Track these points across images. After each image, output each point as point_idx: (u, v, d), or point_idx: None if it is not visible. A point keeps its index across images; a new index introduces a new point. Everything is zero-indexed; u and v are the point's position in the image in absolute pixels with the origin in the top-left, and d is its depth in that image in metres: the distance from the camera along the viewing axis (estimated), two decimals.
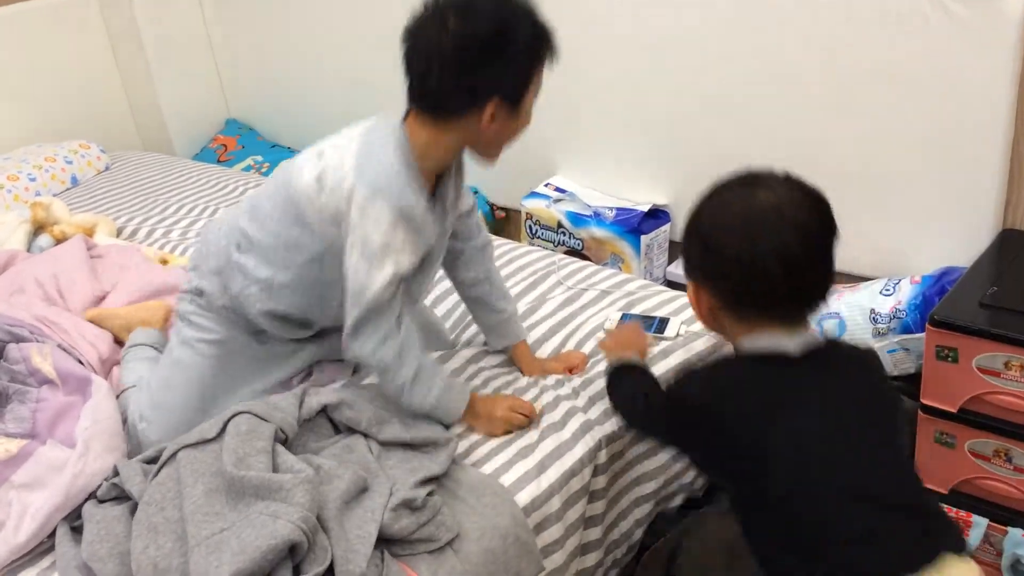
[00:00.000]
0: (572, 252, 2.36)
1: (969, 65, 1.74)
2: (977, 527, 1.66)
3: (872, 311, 1.80)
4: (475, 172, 2.79)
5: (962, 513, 1.66)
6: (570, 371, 1.59)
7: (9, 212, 2.21)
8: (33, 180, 2.74)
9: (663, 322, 1.68)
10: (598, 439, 1.44)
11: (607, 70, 2.29)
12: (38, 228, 2.16)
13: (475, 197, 1.83)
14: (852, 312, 1.83)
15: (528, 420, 1.44)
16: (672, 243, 2.37)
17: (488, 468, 1.37)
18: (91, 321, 1.73)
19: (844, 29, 1.86)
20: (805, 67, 1.95)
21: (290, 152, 3.21)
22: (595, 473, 1.44)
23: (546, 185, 2.48)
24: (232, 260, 1.49)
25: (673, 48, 2.15)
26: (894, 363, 1.79)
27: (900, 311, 1.76)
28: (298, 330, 1.55)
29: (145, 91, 3.29)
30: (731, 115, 2.11)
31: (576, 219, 2.34)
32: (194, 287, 1.56)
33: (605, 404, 1.46)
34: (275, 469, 1.20)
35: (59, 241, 2.09)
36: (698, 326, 1.63)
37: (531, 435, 1.44)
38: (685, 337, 1.64)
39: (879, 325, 1.79)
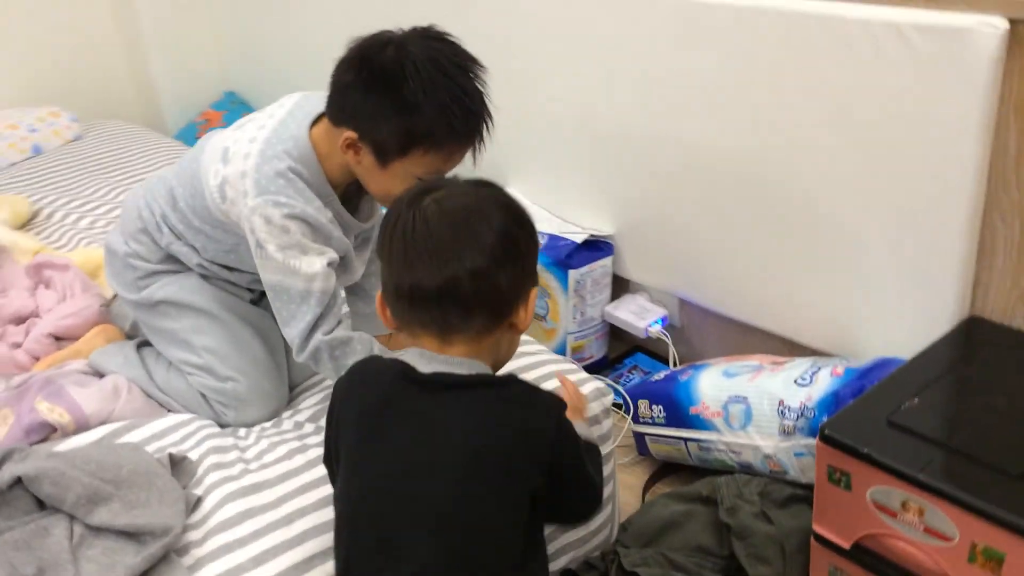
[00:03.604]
0: None
1: (932, 110, 1.38)
2: None
3: (781, 403, 1.48)
4: None
5: None
6: None
7: None
8: None
9: None
10: None
11: (561, 79, 2.00)
12: None
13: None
14: (760, 400, 1.51)
15: None
16: (616, 278, 2.07)
17: (216, 567, 1.15)
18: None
19: (788, 55, 1.52)
20: (749, 100, 1.62)
21: None
22: None
23: None
24: (156, 224, 1.48)
25: (622, 73, 1.85)
26: (802, 469, 1.47)
27: (808, 409, 1.43)
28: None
29: (140, 58, 3.18)
30: (678, 146, 1.80)
31: None
32: (132, 251, 1.50)
33: None
34: None
35: None
36: None
37: (295, 528, 1.21)
38: None
39: (786, 421, 1.46)
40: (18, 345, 1.58)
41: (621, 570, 1.46)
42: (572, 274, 1.95)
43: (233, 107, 3.23)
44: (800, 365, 1.54)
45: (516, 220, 1.05)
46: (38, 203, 2.36)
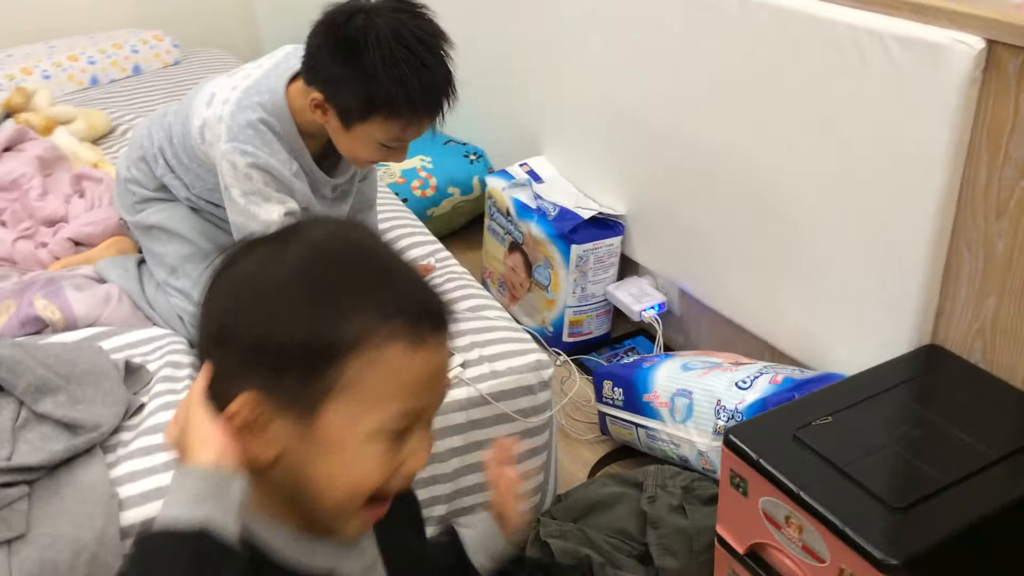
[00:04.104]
0: (515, 246, 2.14)
1: (906, 126, 1.33)
2: None
3: (718, 402, 1.47)
4: (481, 134, 2.61)
5: None
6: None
7: None
8: (92, 63, 2.88)
9: None
10: None
11: (590, 57, 2.00)
12: (10, 112, 2.27)
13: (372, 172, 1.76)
14: (703, 397, 1.51)
15: None
16: (624, 259, 2.08)
17: (132, 466, 1.27)
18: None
19: (783, 55, 1.49)
20: (745, 94, 1.59)
21: None
22: None
23: (521, 165, 2.24)
24: (153, 155, 1.59)
25: (636, 57, 1.84)
26: None
27: (738, 412, 1.43)
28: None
29: None
30: (682, 137, 1.78)
31: (521, 209, 2.11)
32: (131, 176, 1.63)
33: None
34: None
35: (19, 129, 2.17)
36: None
37: None
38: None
39: (719, 421, 1.46)
40: (44, 245, 1.75)
41: (537, 538, 1.51)
42: (575, 249, 1.97)
43: None
44: (749, 369, 1.53)
45: (253, 300, 0.72)
46: (120, 119, 2.55)
